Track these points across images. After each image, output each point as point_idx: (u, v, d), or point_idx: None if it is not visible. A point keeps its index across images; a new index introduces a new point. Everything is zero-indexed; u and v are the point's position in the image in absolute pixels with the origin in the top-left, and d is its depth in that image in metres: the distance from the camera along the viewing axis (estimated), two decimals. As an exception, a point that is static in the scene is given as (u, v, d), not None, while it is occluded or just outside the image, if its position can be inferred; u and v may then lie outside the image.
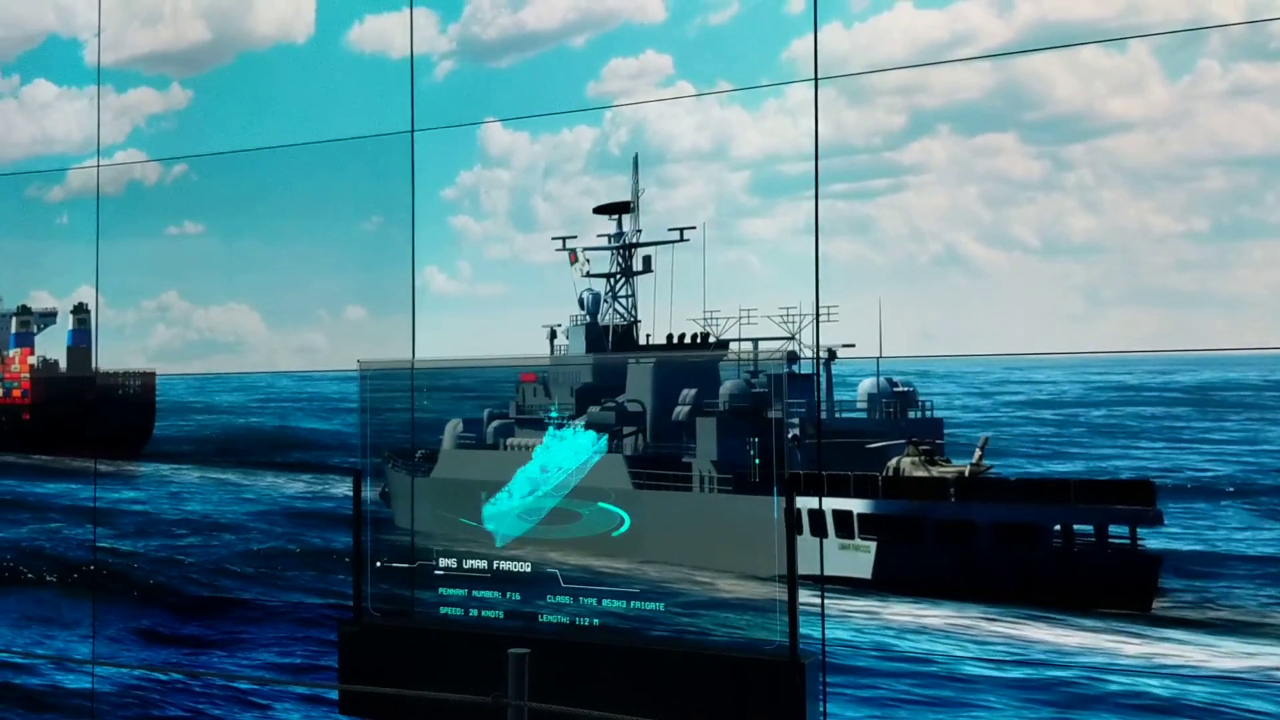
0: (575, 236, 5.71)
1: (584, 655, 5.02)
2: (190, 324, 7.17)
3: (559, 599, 5.27)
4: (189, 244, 7.22)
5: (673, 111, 5.88)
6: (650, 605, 5.05)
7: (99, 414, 6.93)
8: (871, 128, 5.53)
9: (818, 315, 5.39)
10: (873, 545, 4.51)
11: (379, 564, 5.61)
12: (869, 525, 4.50)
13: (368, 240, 6.69)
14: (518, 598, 5.37)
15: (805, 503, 4.51)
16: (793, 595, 4.62)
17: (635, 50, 5.96)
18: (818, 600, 5.25)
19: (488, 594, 5.44)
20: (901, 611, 5.29)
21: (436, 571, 5.52)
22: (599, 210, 5.65)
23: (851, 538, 4.45)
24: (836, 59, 5.53)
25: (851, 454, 4.44)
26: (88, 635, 7.14)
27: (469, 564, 5.47)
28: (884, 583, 4.48)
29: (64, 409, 7.11)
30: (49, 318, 7.25)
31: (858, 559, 4.45)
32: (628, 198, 5.75)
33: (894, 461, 4.47)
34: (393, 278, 6.54)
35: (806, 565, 4.33)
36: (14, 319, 7.25)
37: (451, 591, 5.51)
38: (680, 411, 4.62)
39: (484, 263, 6.35)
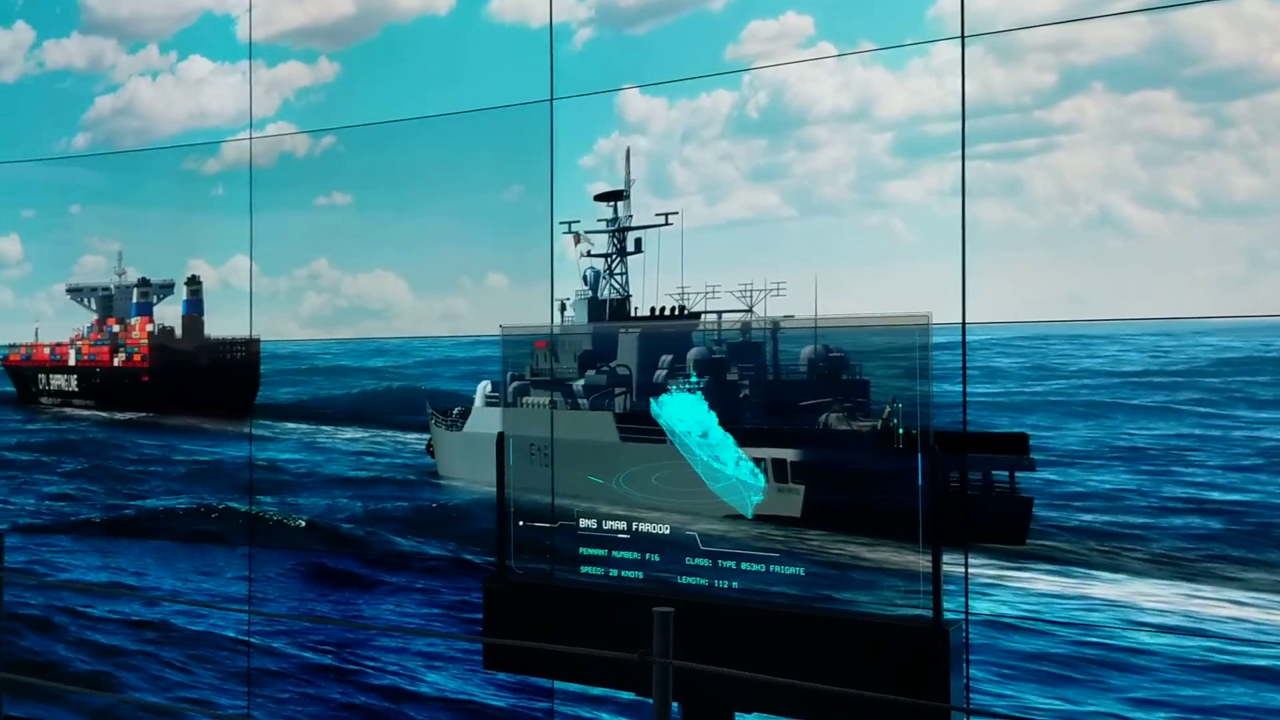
0: (579, 221, 6.27)
1: (724, 617, 5.05)
2: (340, 291, 7.41)
3: (698, 561, 5.31)
4: (337, 213, 7.44)
5: (813, 73, 5.82)
6: (790, 569, 5.05)
7: (208, 378, 7.52)
8: (1021, 86, 5.38)
9: (964, 283, 5.29)
10: (801, 489, 5.02)
11: (521, 523, 5.74)
12: (799, 471, 5.01)
13: (508, 209, 6.81)
14: (657, 559, 5.43)
15: (752, 452, 5.12)
16: (936, 559, 4.57)
17: (775, 12, 5.90)
18: (961, 569, 5.19)
19: (627, 554, 5.52)
20: (1056, 582, 5.19)
21: (578, 532, 5.61)
22: (598, 198, 6.21)
23: (786, 481, 5.01)
24: (984, 16, 5.39)
25: (790, 410, 5.09)
26: (244, 578, 7.48)
27: (609, 525, 5.55)
28: (811, 520, 5.01)
29: (178, 373, 7.71)
30: (167, 289, 7.79)
31: (791, 500, 5.02)
32: (759, 162, 5.89)
33: (823, 417, 5.02)
34: (532, 245, 6.65)
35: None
36: (135, 290, 7.84)
37: (592, 551, 5.60)
38: (658, 375, 5.33)
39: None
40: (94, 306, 8.15)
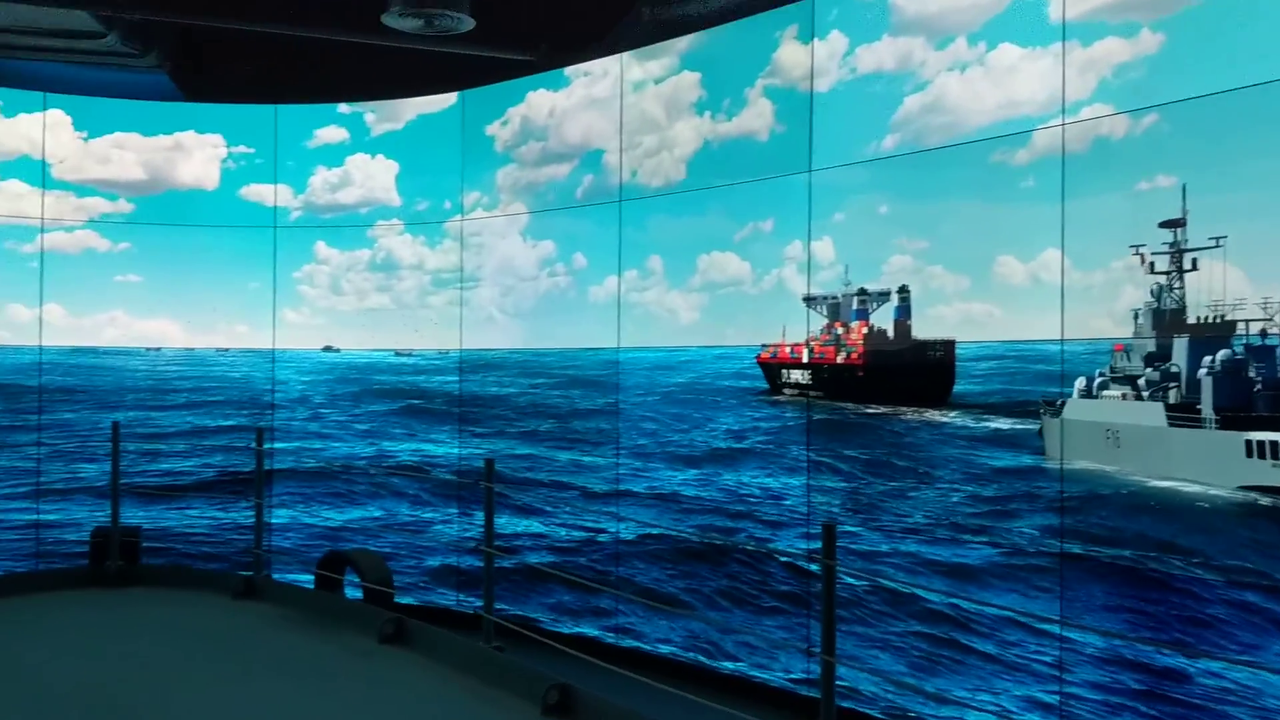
0: (1145, 245, 6.90)
1: None
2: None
3: None
4: (1160, 198, 6.80)
5: None
6: None
7: (911, 374, 8.58)
8: None
9: None
10: None
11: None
12: None
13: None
14: None
15: (1264, 435, 6.21)
16: None
17: None
18: None
19: None
20: None
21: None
22: (1162, 225, 6.85)
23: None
24: None
25: None
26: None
27: None
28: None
29: (887, 369, 8.84)
30: (883, 297, 8.65)
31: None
32: None
33: None
34: None
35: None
36: (855, 298, 8.85)
37: None
38: (1200, 373, 6.74)
39: None
40: (824, 313, 9.16)
